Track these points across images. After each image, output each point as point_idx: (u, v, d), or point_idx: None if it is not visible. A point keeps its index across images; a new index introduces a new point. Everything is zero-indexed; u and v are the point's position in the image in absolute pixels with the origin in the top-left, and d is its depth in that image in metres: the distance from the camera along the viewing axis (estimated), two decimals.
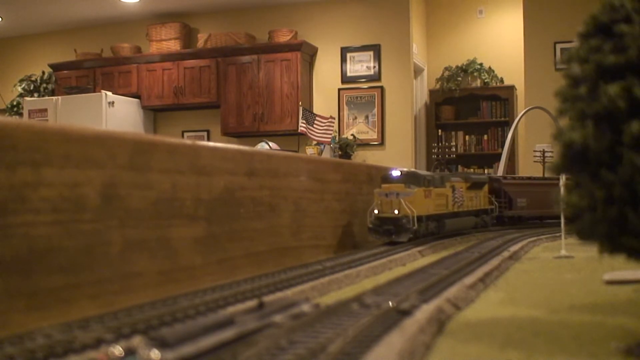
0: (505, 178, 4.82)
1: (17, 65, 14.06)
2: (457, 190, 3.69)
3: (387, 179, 3.30)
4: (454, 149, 9.85)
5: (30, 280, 1.87)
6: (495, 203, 4.33)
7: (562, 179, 2.56)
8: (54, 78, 13.15)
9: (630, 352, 1.21)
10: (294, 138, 11.47)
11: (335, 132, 11.37)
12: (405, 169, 3.38)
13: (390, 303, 1.67)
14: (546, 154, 6.91)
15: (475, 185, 4.03)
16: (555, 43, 10.48)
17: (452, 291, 2.05)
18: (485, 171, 12.11)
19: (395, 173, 3.25)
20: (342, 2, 11.95)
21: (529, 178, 6.28)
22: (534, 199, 5.10)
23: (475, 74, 12.57)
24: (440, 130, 12.76)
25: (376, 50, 11.71)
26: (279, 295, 2.08)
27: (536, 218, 5.25)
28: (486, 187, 4.27)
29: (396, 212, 3.08)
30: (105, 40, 13.19)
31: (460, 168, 12.28)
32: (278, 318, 1.60)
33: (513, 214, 4.77)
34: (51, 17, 13.05)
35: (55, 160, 1.97)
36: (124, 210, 2.24)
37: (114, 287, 2.17)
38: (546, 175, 6.95)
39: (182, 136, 12.27)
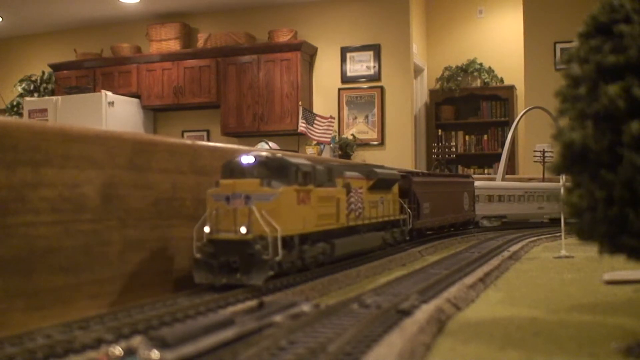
0: (414, 174, 3.66)
1: (17, 65, 14.05)
2: (354, 192, 2.49)
3: (232, 169, 2.09)
4: (454, 149, 9.86)
5: (30, 280, 1.87)
6: (409, 211, 3.17)
7: (562, 179, 2.56)
8: (54, 78, 13.14)
9: (630, 352, 1.21)
10: (294, 138, 11.46)
11: (335, 132, 11.37)
12: (264, 153, 2.17)
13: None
14: (546, 154, 6.91)
15: (381, 185, 2.80)
16: (555, 43, 10.47)
17: (452, 291, 2.05)
18: (485, 171, 12.09)
19: (247, 159, 2.04)
20: (342, 2, 11.95)
21: (445, 175, 5.26)
22: (443, 202, 4.02)
23: (475, 73, 12.56)
24: (440, 130, 12.75)
25: (376, 50, 11.70)
26: (279, 295, 2.08)
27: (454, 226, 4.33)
28: (396, 188, 3.04)
29: (243, 230, 1.91)
30: (105, 40, 13.18)
31: (460, 168, 12.27)
32: (278, 318, 1.59)
33: (421, 225, 3.59)
34: (51, 17, 13.04)
35: (55, 160, 1.97)
36: (124, 210, 2.24)
37: (114, 287, 2.16)
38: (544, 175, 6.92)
39: (182, 136, 12.27)
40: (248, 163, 2.03)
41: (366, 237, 2.69)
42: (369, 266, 2.86)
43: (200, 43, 12.27)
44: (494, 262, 3.03)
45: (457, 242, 4.27)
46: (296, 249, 2.07)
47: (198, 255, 2.00)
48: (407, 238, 3.25)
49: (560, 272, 2.82)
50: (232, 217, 1.93)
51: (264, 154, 2.12)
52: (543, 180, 7.13)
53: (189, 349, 1.25)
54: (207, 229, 1.99)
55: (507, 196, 5.68)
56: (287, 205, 1.95)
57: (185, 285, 2.17)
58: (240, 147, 2.72)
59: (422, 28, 12.78)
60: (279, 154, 2.21)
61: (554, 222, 6.30)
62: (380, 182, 2.75)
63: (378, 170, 2.80)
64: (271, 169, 2.02)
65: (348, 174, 2.52)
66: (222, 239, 1.95)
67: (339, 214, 2.36)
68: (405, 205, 3.15)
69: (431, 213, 3.69)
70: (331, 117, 10.35)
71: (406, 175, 3.41)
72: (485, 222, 5.40)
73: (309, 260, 2.21)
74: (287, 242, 1.98)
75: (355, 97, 11.79)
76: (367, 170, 2.73)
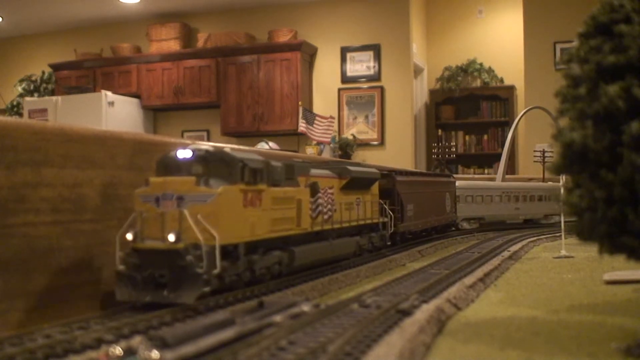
0: (398, 173, 3.34)
1: (17, 65, 14.05)
2: (323, 193, 2.20)
3: (167, 165, 1.82)
4: (454, 149, 9.86)
5: (30, 280, 1.87)
6: (390, 213, 2.91)
7: (562, 180, 2.55)
8: (54, 78, 13.15)
9: (630, 352, 1.21)
10: (294, 138, 11.46)
11: (335, 131, 11.37)
12: (205, 146, 1.85)
13: None
14: (546, 154, 6.91)
15: (357, 185, 2.48)
16: (555, 43, 10.48)
17: (452, 291, 2.05)
18: (485, 171, 12.09)
19: (184, 153, 1.77)
20: (342, 2, 11.95)
21: (429, 174, 4.96)
22: (427, 203, 3.75)
23: (475, 73, 12.56)
24: (440, 130, 12.76)
25: (376, 50, 11.70)
26: (279, 295, 2.08)
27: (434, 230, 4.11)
28: (376, 188, 2.77)
29: (172, 238, 1.60)
30: (105, 40, 13.18)
31: (460, 168, 12.27)
32: (278, 318, 1.59)
33: (405, 228, 3.33)
34: (51, 17, 13.04)
35: (55, 160, 1.97)
36: (124, 210, 2.24)
37: (114, 287, 2.16)
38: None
39: (182, 136, 12.27)
40: (184, 158, 1.70)
41: (336, 243, 2.37)
42: (369, 266, 2.86)
43: (200, 43, 12.27)
44: (494, 262, 3.03)
45: (457, 242, 4.28)
46: (242, 259, 1.73)
47: (120, 267, 1.70)
48: (389, 243, 2.95)
49: (560, 272, 2.82)
50: (160, 222, 1.59)
51: (204, 147, 1.79)
52: (543, 180, 7.12)
53: (189, 349, 1.25)
54: (129, 236, 1.66)
55: (484, 197, 5.61)
56: (229, 207, 1.61)
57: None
58: (241, 147, 2.72)
59: (422, 28, 12.78)
60: (226, 148, 1.91)
61: (528, 222, 6.27)
62: (355, 181, 2.45)
63: (352, 168, 2.49)
64: (212, 165, 1.69)
65: (315, 172, 2.20)
66: (148, 249, 1.62)
67: (300, 217, 2.04)
68: (387, 207, 2.85)
69: (415, 215, 3.40)
70: (331, 117, 10.34)
71: (389, 174, 3.15)
72: (465, 225, 5.30)
73: (260, 272, 1.86)
74: (230, 251, 1.65)
75: (355, 97, 11.79)
76: (339, 168, 2.42)
